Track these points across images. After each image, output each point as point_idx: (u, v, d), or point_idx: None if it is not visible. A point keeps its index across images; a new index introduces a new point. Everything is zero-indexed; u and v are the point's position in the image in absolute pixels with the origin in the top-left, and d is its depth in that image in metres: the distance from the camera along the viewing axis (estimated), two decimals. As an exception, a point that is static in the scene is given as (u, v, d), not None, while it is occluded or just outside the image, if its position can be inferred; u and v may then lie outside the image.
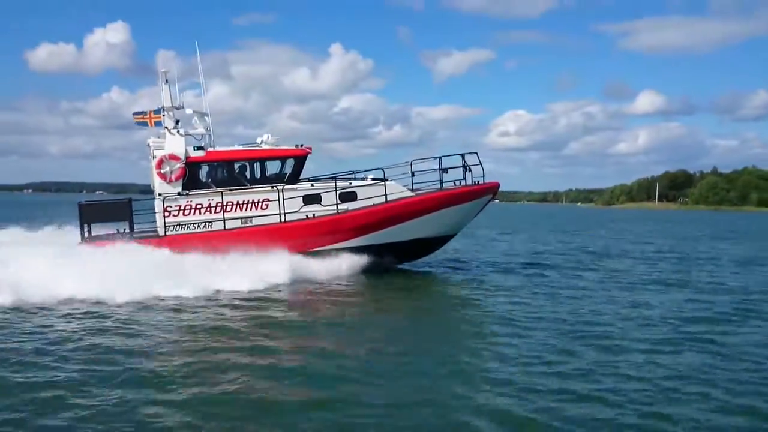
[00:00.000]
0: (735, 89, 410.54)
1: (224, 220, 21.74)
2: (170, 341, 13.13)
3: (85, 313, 15.42)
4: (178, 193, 21.82)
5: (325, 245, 21.83)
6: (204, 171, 22.40)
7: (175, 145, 22.05)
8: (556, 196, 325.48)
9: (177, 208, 21.77)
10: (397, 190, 22.70)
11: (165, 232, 21.63)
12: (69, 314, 15.25)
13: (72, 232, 23.76)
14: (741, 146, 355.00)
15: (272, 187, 22.00)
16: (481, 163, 23.27)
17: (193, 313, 15.84)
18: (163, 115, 22.62)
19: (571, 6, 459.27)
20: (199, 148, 22.49)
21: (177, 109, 22.80)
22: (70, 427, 8.58)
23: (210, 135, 23.25)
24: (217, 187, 22.03)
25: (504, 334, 14.04)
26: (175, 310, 16.02)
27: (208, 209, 21.82)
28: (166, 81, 22.73)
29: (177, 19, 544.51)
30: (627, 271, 25.97)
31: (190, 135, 23.06)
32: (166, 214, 21.71)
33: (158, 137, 22.63)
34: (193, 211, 21.80)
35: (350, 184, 22.67)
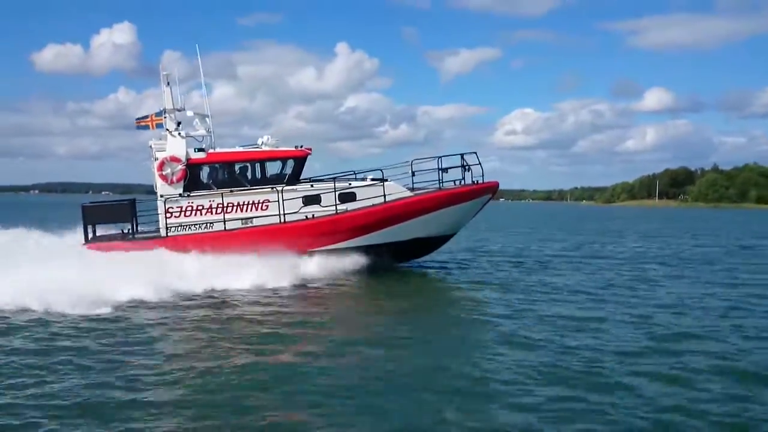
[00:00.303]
0: (742, 86, 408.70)
1: (224, 221, 21.80)
2: (166, 340, 13.23)
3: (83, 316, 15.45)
4: (180, 195, 21.89)
5: (324, 245, 21.86)
6: (205, 172, 22.46)
7: (176, 147, 22.12)
8: (560, 195, 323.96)
9: (178, 209, 21.85)
10: (396, 191, 22.71)
11: (167, 233, 21.70)
12: (65, 316, 15.31)
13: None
14: (749, 143, 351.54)
15: (272, 188, 22.05)
16: (480, 163, 23.33)
17: (184, 313, 15.94)
18: (165, 118, 22.66)
19: (577, 4, 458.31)
20: (200, 149, 22.54)
21: (178, 111, 22.84)
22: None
23: (211, 136, 23.31)
24: (218, 189, 22.09)
25: (499, 331, 14.10)
26: (168, 309, 16.15)
27: (209, 210, 21.89)
28: (168, 83, 22.80)
29: (183, 20, 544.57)
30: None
31: (192, 136, 23.12)
32: (168, 215, 21.79)
33: (160, 139, 22.69)
34: (194, 212, 21.87)
35: (350, 184, 22.70)
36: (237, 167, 22.53)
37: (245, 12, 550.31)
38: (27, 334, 13.49)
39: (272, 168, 22.71)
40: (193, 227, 21.79)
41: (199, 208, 21.89)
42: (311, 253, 21.69)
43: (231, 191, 21.99)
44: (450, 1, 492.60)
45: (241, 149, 23.06)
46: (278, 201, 21.91)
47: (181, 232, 21.69)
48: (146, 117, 23.24)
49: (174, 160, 21.90)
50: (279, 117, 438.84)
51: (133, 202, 24.21)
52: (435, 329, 14.86)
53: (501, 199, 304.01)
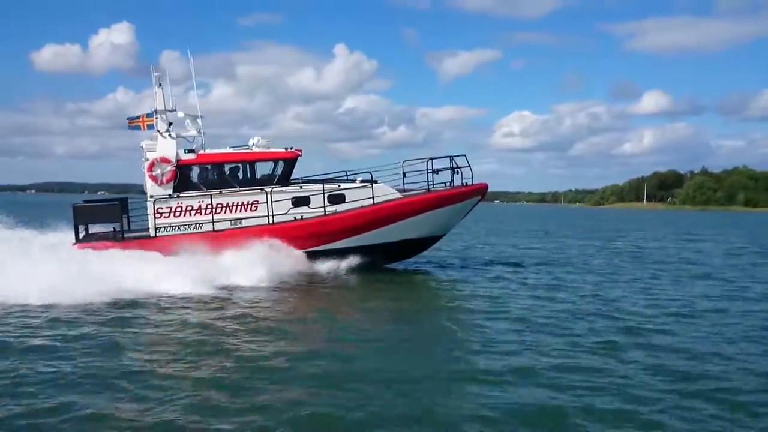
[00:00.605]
0: (741, 90, 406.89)
1: (213, 221, 21.67)
2: (154, 340, 13.06)
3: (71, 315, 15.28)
4: (169, 195, 21.76)
5: (312, 246, 21.75)
6: (195, 173, 22.34)
7: (166, 148, 21.99)
8: (554, 197, 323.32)
9: (168, 209, 21.72)
10: (385, 193, 22.64)
11: (155, 233, 21.57)
12: (51, 315, 15.07)
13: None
14: (747, 147, 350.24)
15: (261, 189, 21.92)
16: (469, 165, 23.29)
17: (175, 312, 15.72)
18: (156, 118, 22.54)
19: (577, 6, 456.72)
20: (190, 150, 22.43)
21: (170, 111, 22.71)
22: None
23: (202, 137, 23.18)
24: (207, 189, 21.96)
25: (487, 328, 14.15)
26: (159, 309, 15.93)
27: (199, 211, 21.77)
28: (159, 84, 22.69)
29: (182, 20, 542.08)
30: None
31: (183, 137, 23.00)
32: (157, 215, 21.69)
33: (152, 140, 22.56)
34: (183, 212, 21.74)
35: (339, 186, 22.59)
36: (227, 168, 22.42)
37: (245, 12, 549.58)
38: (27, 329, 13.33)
39: (262, 169, 22.62)
40: (182, 228, 21.64)
41: (189, 208, 21.77)
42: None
43: (220, 192, 21.85)
44: (449, 3, 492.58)
45: (231, 150, 22.93)
46: (267, 202, 21.78)
47: (170, 233, 21.53)
48: (137, 117, 23.11)
49: (164, 161, 21.78)
50: (278, 117, 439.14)
51: (123, 201, 24.07)
52: (420, 328, 14.82)
53: (496, 201, 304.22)
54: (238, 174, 22.48)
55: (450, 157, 23.10)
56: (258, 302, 17.12)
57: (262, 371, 10.78)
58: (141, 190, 22.94)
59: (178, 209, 21.76)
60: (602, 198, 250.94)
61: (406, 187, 23.09)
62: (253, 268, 19.63)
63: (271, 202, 21.80)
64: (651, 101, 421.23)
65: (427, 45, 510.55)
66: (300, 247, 21.54)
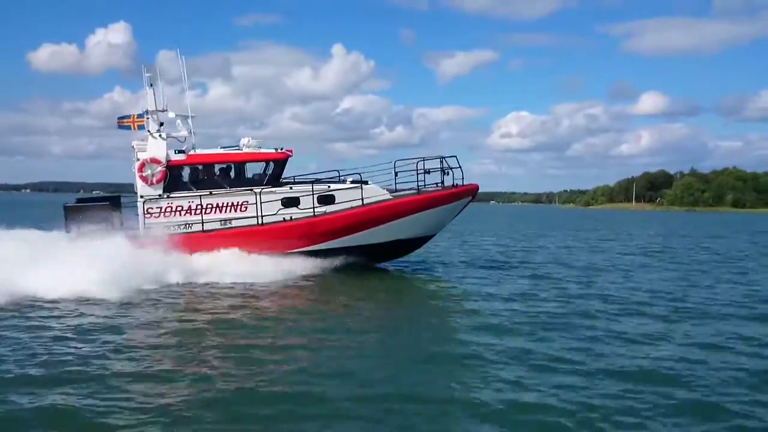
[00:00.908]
0: (739, 90, 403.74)
1: (203, 222, 21.47)
2: (138, 338, 12.84)
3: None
4: (159, 196, 21.55)
5: (301, 247, 21.57)
6: (185, 174, 22.15)
7: (156, 148, 21.81)
8: (549, 197, 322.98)
9: (157, 209, 21.53)
10: (375, 193, 22.45)
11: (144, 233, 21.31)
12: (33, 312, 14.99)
13: None
14: (745, 147, 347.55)
15: (251, 189, 21.73)
16: (460, 166, 23.06)
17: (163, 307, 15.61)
18: (147, 119, 22.34)
19: (575, 7, 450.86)
20: (180, 151, 22.23)
21: (161, 112, 22.50)
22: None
23: (192, 137, 22.96)
24: (197, 190, 21.76)
25: (472, 326, 14.22)
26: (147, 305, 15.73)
27: (188, 211, 21.57)
28: (151, 84, 22.51)
29: (179, 20, 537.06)
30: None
31: (174, 137, 22.80)
32: (147, 215, 21.49)
33: (142, 140, 22.36)
34: (173, 212, 21.54)
35: (329, 187, 22.40)
36: (217, 169, 22.22)
37: (242, 12, 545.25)
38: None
39: (252, 170, 22.44)
40: (171, 228, 21.42)
41: (179, 209, 21.57)
42: (288, 255, 21.35)
43: (210, 193, 21.65)
44: (447, 3, 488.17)
45: (221, 151, 22.72)
46: (256, 203, 21.60)
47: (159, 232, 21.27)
48: (128, 117, 22.90)
49: (154, 161, 21.59)
50: (275, 117, 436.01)
51: (116, 199, 23.90)
52: (411, 326, 14.85)
53: (492, 202, 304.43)
54: (229, 174, 22.28)
55: (441, 157, 22.94)
56: (238, 301, 17.02)
57: (243, 365, 10.69)
58: (134, 190, 22.68)
59: (168, 209, 21.55)
60: (592, 198, 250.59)
61: (399, 186, 22.93)
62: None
63: (261, 202, 21.60)
64: (649, 102, 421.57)
65: (425, 45, 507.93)
66: (289, 248, 21.36)
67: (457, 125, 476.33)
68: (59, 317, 14.55)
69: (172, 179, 21.77)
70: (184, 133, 22.93)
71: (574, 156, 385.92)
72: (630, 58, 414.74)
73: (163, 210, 21.55)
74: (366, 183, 22.58)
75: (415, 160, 22.76)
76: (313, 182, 22.65)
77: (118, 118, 23.03)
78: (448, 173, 22.88)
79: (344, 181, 22.97)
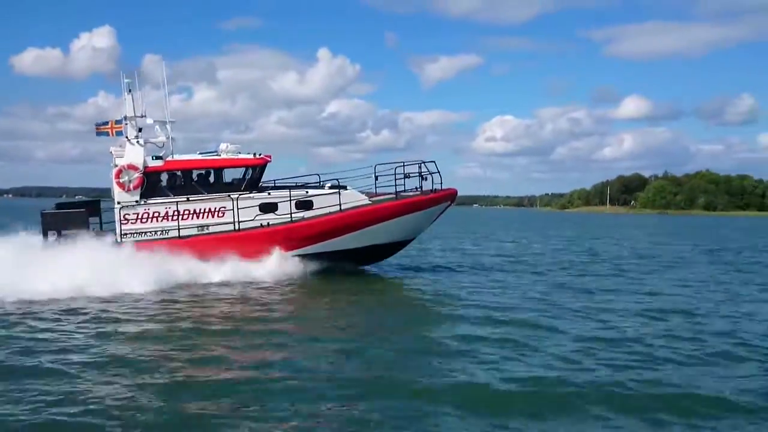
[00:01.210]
0: (720, 94, 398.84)
1: (179, 228, 21.11)
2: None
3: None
4: (136, 202, 21.17)
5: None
6: (162, 180, 21.80)
7: (133, 154, 21.45)
8: (530, 201, 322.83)
9: (134, 216, 21.15)
10: (353, 199, 22.25)
11: (121, 239, 20.98)
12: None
13: None
14: (726, 151, 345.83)
15: (228, 195, 21.40)
16: (438, 171, 22.92)
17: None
18: (125, 125, 21.98)
19: (558, 12, 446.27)
20: (158, 157, 21.87)
21: (139, 117, 22.14)
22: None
23: (170, 143, 22.60)
24: (175, 196, 21.40)
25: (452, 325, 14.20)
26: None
27: (165, 217, 21.20)
28: (129, 90, 22.18)
29: (163, 24, 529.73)
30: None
31: (152, 143, 22.46)
32: (124, 221, 21.11)
33: (120, 146, 21.99)
34: (150, 219, 21.17)
35: (306, 192, 22.13)
36: (194, 175, 21.88)
37: (226, 16, 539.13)
38: None
39: (230, 176, 22.13)
40: (148, 234, 21.05)
41: (156, 215, 21.20)
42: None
43: (187, 199, 21.31)
44: (432, 8, 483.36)
45: (199, 157, 22.37)
46: (233, 209, 21.28)
47: (136, 239, 20.95)
48: (106, 123, 22.54)
49: (131, 167, 21.23)
50: (261, 121, 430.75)
51: (95, 204, 23.57)
52: (390, 327, 14.69)
53: (475, 205, 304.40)
54: (207, 180, 21.96)
55: (420, 162, 22.78)
56: (220, 306, 16.71)
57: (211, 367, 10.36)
58: (111, 196, 22.27)
59: (145, 216, 21.17)
60: (569, 202, 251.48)
61: (381, 191, 22.75)
62: None
63: (238, 208, 21.29)
64: (631, 106, 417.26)
65: (410, 49, 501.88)
66: (267, 254, 21.02)
67: (443, 129, 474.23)
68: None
69: (150, 185, 21.42)
70: (162, 138, 22.60)
71: (558, 160, 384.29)
72: (612, 62, 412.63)
73: (140, 216, 21.17)
74: (345, 188, 22.38)
75: (395, 165, 22.58)
76: (291, 188, 22.37)
77: (96, 125, 22.67)
78: (426, 178, 22.74)
79: (323, 186, 22.73)
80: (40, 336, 13.13)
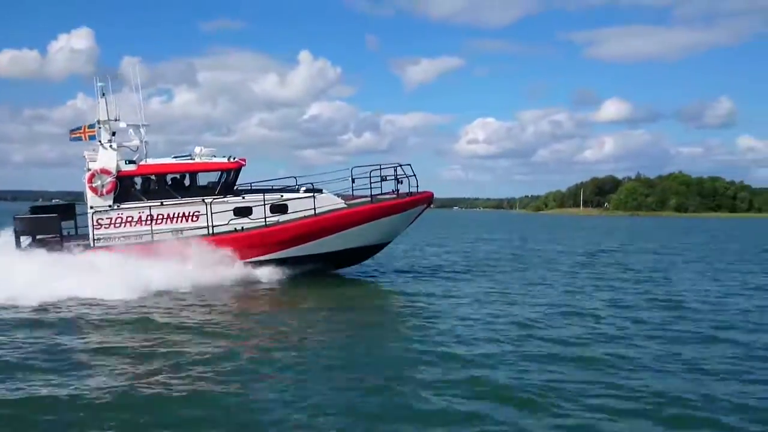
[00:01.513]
0: (699, 97, 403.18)
1: (152, 232, 20.75)
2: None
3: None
4: (109, 206, 20.80)
5: (253, 257, 20.99)
6: (136, 184, 21.42)
7: (106, 159, 21.11)
8: (510, 203, 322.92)
9: (107, 220, 20.77)
10: (329, 202, 22.03)
11: (94, 244, 20.63)
12: None
13: None
14: (705, 153, 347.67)
15: (202, 199, 21.08)
16: (414, 174, 22.74)
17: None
18: (98, 129, 21.61)
19: (539, 15, 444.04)
20: (131, 161, 21.50)
21: (113, 121, 21.77)
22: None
23: (144, 147, 22.22)
24: (149, 200, 21.05)
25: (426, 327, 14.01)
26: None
27: (139, 222, 20.84)
28: (103, 94, 21.86)
29: (143, 25, 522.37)
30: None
31: (125, 147, 22.06)
32: (97, 226, 20.73)
33: (94, 150, 21.62)
34: (123, 223, 20.80)
35: (281, 196, 21.88)
36: (168, 178, 21.53)
37: (207, 18, 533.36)
38: None
39: (204, 179, 21.82)
40: (121, 238, 20.67)
41: (129, 219, 20.83)
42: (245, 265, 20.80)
43: (161, 203, 20.96)
44: (412, 10, 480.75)
45: (173, 161, 22.01)
46: (207, 213, 20.96)
47: (108, 244, 20.63)
48: (79, 128, 22.19)
49: (104, 172, 20.87)
50: (242, 124, 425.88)
51: (69, 208, 23.29)
52: (365, 330, 14.52)
53: (455, 207, 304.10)
54: (181, 184, 21.62)
55: (396, 165, 22.60)
56: (191, 309, 16.39)
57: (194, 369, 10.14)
58: (84, 200, 21.87)
59: (118, 220, 20.80)
60: (544, 204, 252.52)
61: (358, 193, 22.57)
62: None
63: (212, 212, 20.98)
64: (612, 108, 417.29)
65: (391, 52, 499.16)
66: (241, 258, 20.75)
67: (425, 131, 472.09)
68: None
69: (123, 189, 21.07)
70: (135, 142, 22.25)
71: (540, 162, 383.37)
72: (593, 64, 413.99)
73: (113, 221, 20.79)
74: (320, 191, 22.16)
75: (371, 168, 22.39)
76: (265, 191, 22.09)
77: (70, 131, 22.33)
78: (401, 182, 22.56)
79: (299, 190, 22.49)
80: None
